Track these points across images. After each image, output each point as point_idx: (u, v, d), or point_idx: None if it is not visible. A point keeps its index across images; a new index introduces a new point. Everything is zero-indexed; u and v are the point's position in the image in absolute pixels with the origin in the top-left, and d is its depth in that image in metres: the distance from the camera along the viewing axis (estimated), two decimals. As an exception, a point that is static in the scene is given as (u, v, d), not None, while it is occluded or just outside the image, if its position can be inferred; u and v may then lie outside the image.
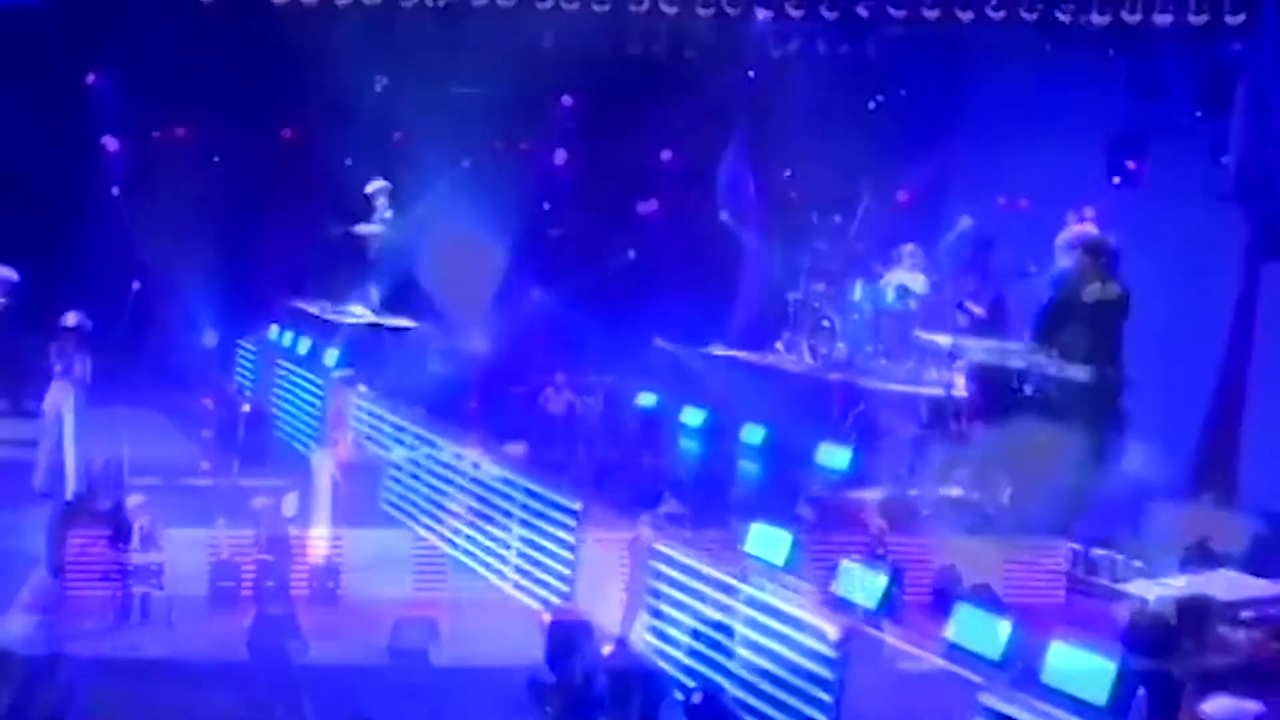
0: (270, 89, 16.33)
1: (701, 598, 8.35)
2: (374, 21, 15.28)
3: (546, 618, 8.52)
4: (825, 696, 7.35)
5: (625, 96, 16.06)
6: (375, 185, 15.66)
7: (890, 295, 13.18)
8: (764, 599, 7.87)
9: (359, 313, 15.69)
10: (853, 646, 7.24)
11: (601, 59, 15.25)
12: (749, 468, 12.16)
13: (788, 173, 15.83)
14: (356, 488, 10.74)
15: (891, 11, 13.69)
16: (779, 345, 14.11)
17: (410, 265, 15.59)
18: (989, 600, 7.02)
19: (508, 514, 10.54)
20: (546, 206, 16.83)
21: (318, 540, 10.62)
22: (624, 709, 7.60)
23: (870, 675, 7.15)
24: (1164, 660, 6.56)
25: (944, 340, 10.06)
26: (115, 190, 16.59)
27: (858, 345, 13.06)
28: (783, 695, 7.62)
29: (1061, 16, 12.60)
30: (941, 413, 10.06)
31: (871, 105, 15.27)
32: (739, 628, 8.01)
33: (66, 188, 16.16)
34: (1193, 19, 11.43)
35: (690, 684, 8.08)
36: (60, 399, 11.63)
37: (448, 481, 11.45)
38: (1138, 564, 7.27)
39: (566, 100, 16.51)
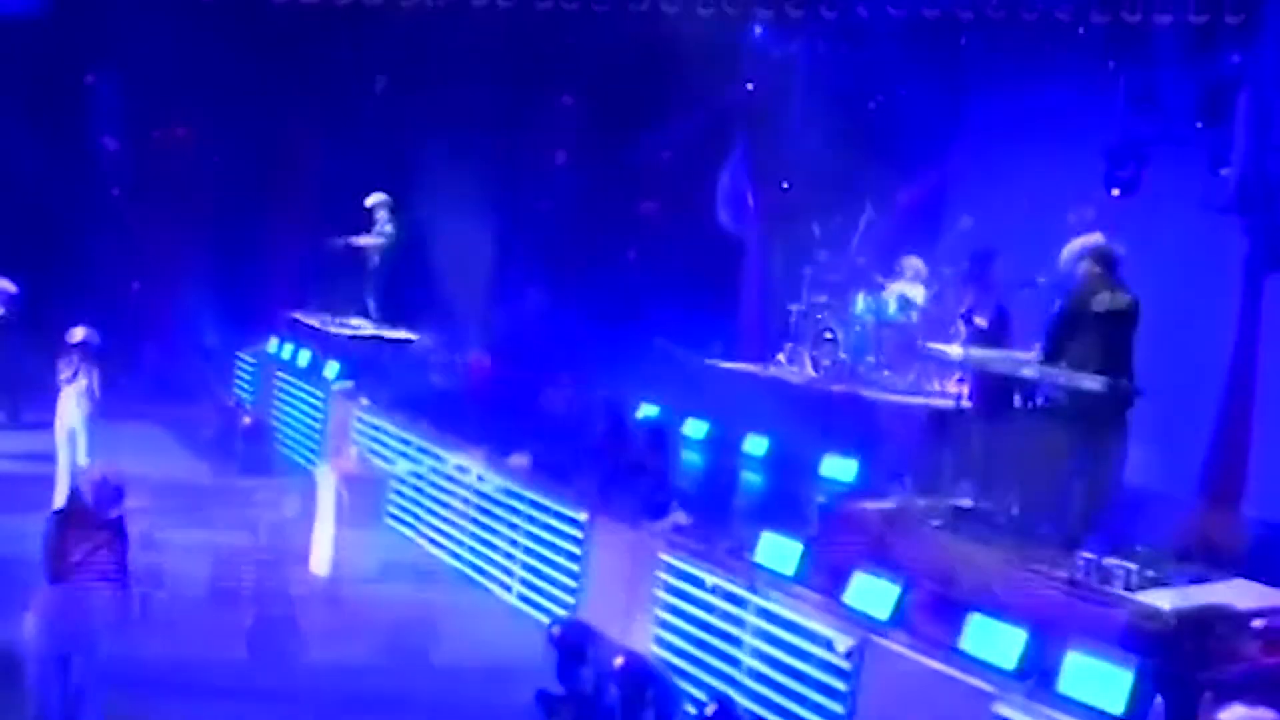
0: (270, 98, 16.36)
1: (711, 608, 8.33)
2: (374, 25, 15.31)
3: (556, 630, 8.47)
4: (838, 708, 7.34)
5: (625, 100, 16.09)
6: (375, 198, 15.65)
7: (893, 306, 13.19)
8: (775, 609, 7.86)
9: (359, 325, 15.68)
10: (865, 657, 7.24)
11: (601, 62, 15.30)
12: (752, 479, 12.15)
13: (785, 185, 15.83)
14: (361, 500, 10.71)
15: (891, 11, 13.72)
16: (781, 357, 14.10)
17: (410, 276, 15.62)
18: (1002, 610, 7.00)
19: (513, 525, 10.52)
20: (546, 211, 16.83)
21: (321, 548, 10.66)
22: (635, 720, 7.58)
23: (883, 686, 7.14)
24: (1180, 669, 6.56)
25: (955, 351, 10.05)
26: (114, 196, 16.57)
27: (860, 356, 13.06)
28: (794, 707, 7.61)
29: (1061, 16, 12.60)
30: (950, 423, 10.04)
31: (870, 112, 15.27)
32: (749, 638, 7.99)
33: (64, 198, 16.14)
34: (1193, 19, 11.42)
35: (701, 696, 8.06)
36: (73, 415, 11.59)
37: (451, 494, 11.44)
38: (1151, 573, 7.25)
39: (566, 100, 16.51)
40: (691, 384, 13.63)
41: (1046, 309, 8.69)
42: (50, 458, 12.08)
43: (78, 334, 11.63)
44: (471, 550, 11.04)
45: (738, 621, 8.11)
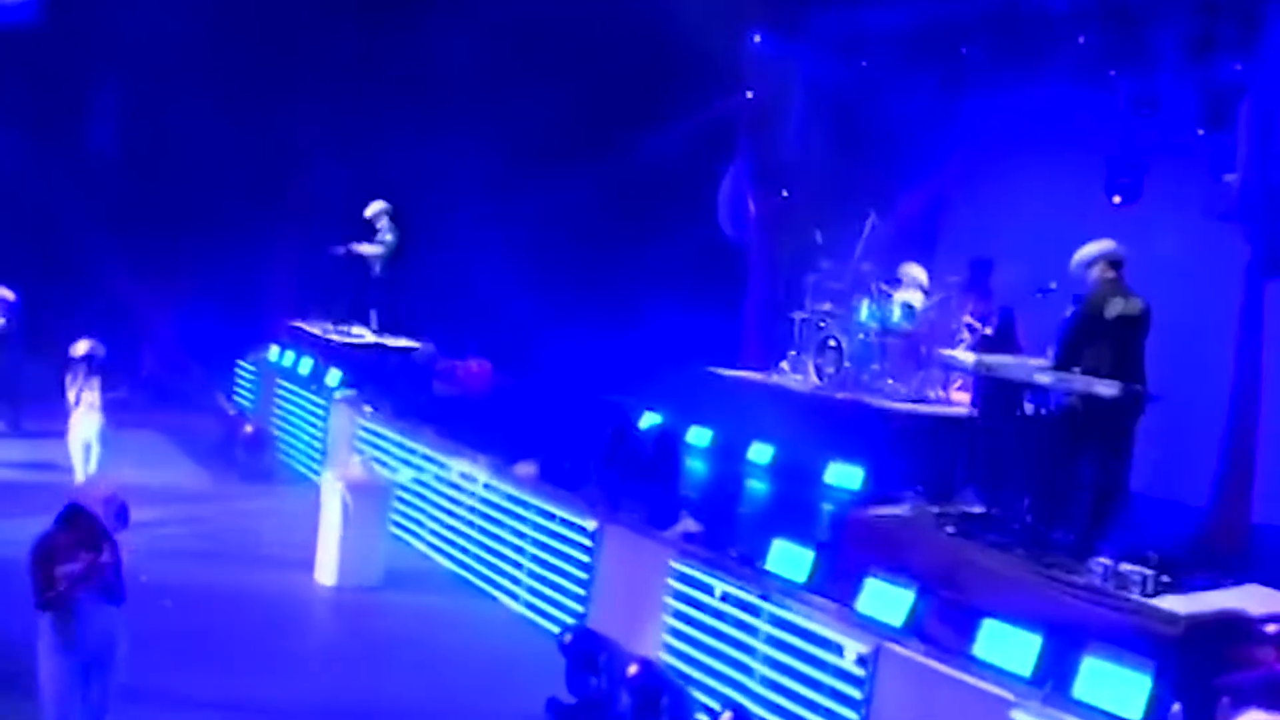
0: (271, 106, 16.35)
1: (722, 616, 8.31)
2: (376, 32, 15.32)
3: (567, 638, 8.45)
4: (852, 715, 7.32)
5: (627, 111, 16.12)
6: (376, 207, 15.63)
7: (896, 314, 13.21)
8: (788, 617, 7.84)
9: (360, 333, 15.65)
10: (879, 664, 7.22)
11: (603, 75, 15.31)
12: (758, 487, 12.16)
13: (785, 193, 15.85)
14: (366, 508, 10.67)
15: (892, 19, 13.74)
16: (784, 365, 14.11)
17: (411, 285, 15.61)
18: (1017, 615, 6.99)
19: (520, 534, 10.49)
20: (550, 220, 16.83)
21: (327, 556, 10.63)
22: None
23: (898, 693, 7.12)
24: (1197, 675, 6.56)
25: (968, 358, 10.05)
26: (114, 204, 16.52)
27: (864, 364, 13.07)
28: (809, 715, 7.59)
29: (1062, 23, 12.61)
30: (961, 430, 10.05)
31: (870, 120, 15.30)
32: (762, 646, 7.97)
33: (64, 207, 16.11)
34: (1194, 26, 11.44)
35: (715, 705, 8.04)
36: (86, 429, 11.56)
37: (456, 502, 11.41)
38: (1166, 579, 7.26)
39: (570, 111, 16.52)
40: (697, 396, 13.65)
41: (1056, 315, 8.71)
42: (52, 466, 12.07)
43: (82, 347, 11.56)
44: (478, 558, 11.00)
45: (750, 629, 8.09)
